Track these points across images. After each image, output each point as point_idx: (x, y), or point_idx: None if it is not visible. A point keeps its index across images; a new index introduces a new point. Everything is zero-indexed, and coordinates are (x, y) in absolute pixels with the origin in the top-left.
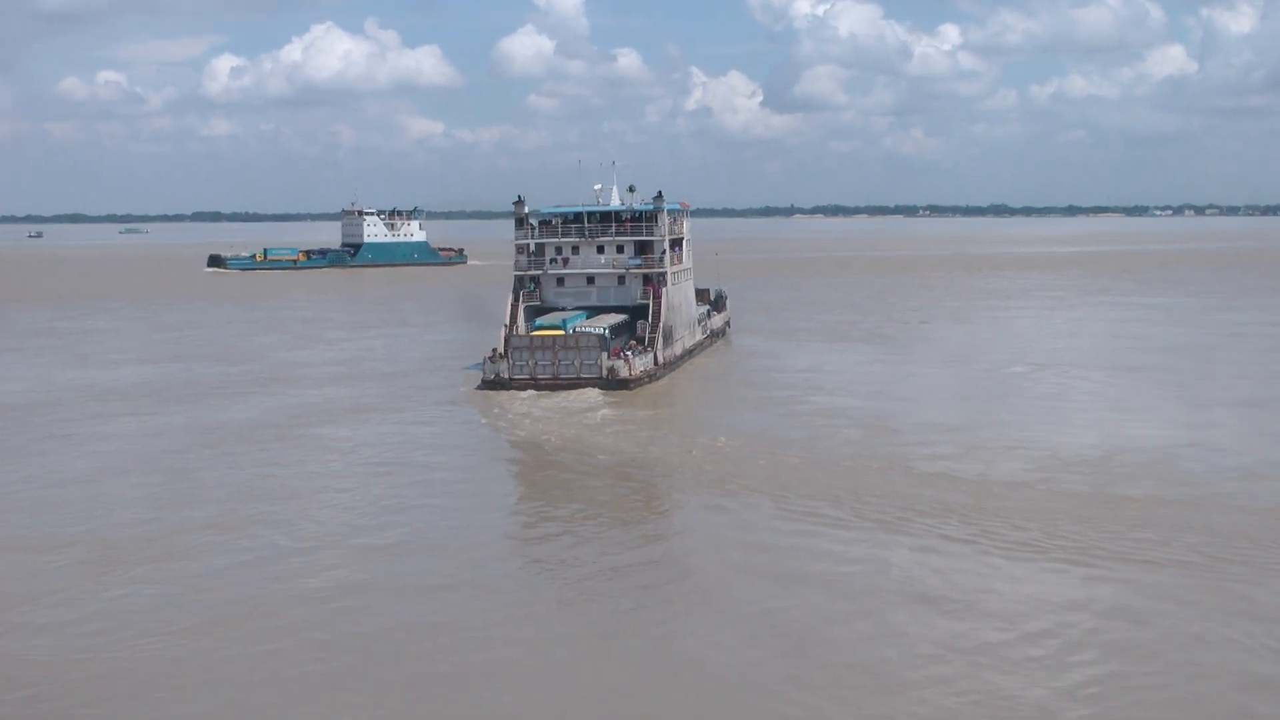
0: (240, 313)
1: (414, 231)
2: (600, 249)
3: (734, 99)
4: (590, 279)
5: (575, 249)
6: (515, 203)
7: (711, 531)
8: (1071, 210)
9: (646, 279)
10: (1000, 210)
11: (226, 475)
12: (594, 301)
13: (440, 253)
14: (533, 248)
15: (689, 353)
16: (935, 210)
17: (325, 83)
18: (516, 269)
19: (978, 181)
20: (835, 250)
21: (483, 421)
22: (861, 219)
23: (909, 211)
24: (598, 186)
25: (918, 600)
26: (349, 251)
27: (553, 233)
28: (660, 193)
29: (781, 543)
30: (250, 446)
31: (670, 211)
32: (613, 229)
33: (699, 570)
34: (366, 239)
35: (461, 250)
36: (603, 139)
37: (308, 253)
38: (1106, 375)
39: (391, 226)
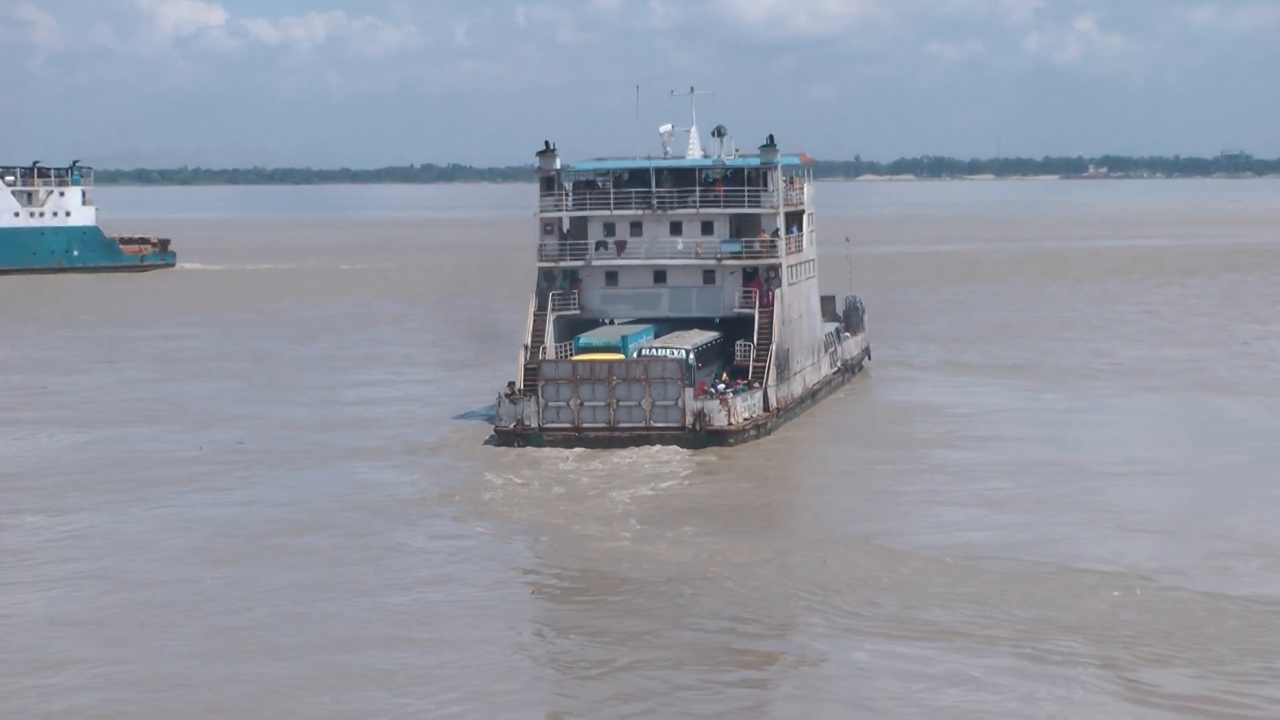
0: None
1: (72, 208)
2: (676, 227)
3: None
4: (660, 275)
5: (637, 227)
6: (541, 153)
7: None
8: None
9: (750, 275)
10: (1237, 164)
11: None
12: (665, 310)
13: (122, 248)
14: (567, 224)
15: (811, 394)
16: (1116, 165)
17: None
18: (542, 258)
19: (1197, 116)
20: (1011, 237)
21: (500, 509)
22: (985, 180)
23: (1070, 169)
24: (665, 128)
25: None
26: None
27: (600, 200)
28: (771, 138)
29: None
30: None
31: (786, 168)
32: (695, 196)
33: None
34: None
35: (166, 244)
36: (517, 39)
37: None
38: None
39: (29, 198)
